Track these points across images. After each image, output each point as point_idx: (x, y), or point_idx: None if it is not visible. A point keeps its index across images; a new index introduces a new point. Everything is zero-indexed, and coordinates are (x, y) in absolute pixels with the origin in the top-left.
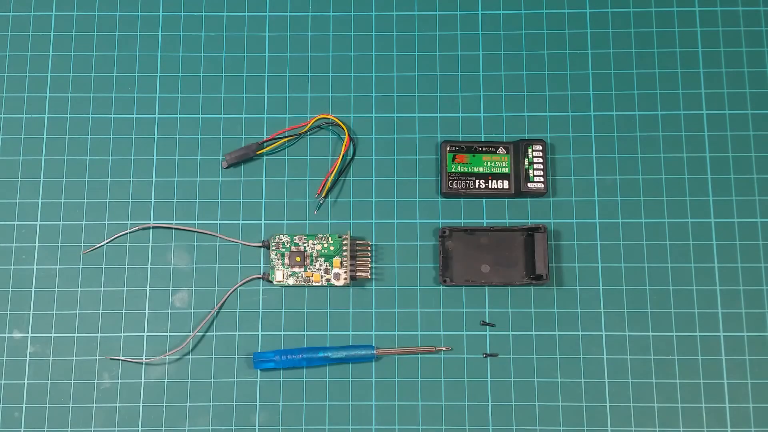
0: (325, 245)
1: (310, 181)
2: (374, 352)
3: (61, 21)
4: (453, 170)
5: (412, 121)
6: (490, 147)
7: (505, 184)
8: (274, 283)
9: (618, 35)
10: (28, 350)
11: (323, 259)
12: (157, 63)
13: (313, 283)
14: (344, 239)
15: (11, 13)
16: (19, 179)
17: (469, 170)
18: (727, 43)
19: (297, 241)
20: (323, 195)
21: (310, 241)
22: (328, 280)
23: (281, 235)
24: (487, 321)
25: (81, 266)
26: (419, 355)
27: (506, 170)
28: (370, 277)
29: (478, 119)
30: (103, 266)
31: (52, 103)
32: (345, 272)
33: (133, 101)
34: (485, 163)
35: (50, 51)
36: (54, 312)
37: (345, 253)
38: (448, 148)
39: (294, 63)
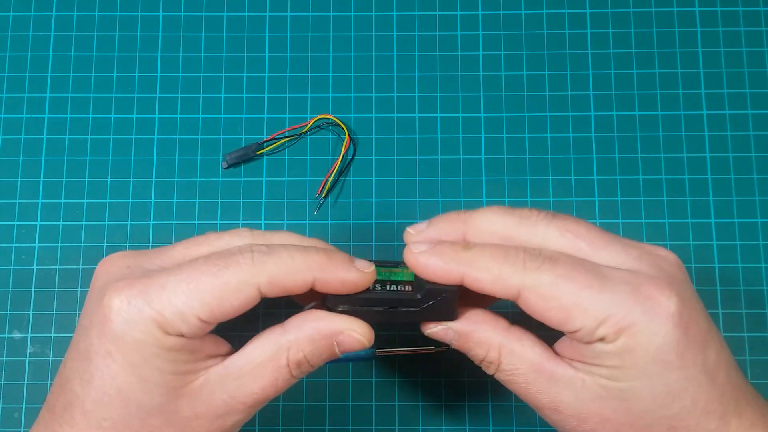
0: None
1: (310, 182)
2: (374, 352)
3: (61, 21)
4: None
5: (412, 121)
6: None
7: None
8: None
9: (618, 35)
10: (28, 350)
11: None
12: (157, 63)
13: None
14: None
15: (11, 13)
16: (19, 179)
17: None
18: (727, 43)
19: None
20: (323, 195)
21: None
22: None
23: None
24: None
25: (81, 266)
26: (419, 356)
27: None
28: None
29: (478, 119)
30: None
31: (52, 103)
32: None
33: (133, 101)
34: None
35: (50, 51)
36: (54, 312)
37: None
38: None
39: (294, 63)
